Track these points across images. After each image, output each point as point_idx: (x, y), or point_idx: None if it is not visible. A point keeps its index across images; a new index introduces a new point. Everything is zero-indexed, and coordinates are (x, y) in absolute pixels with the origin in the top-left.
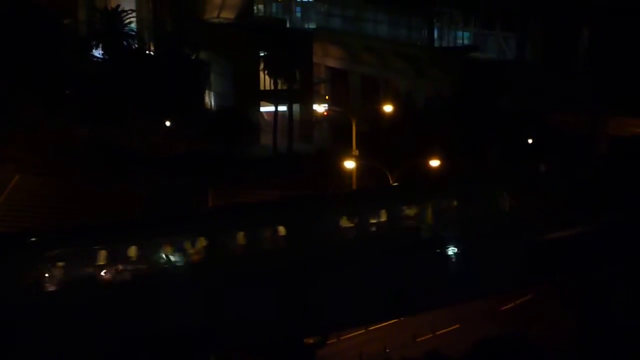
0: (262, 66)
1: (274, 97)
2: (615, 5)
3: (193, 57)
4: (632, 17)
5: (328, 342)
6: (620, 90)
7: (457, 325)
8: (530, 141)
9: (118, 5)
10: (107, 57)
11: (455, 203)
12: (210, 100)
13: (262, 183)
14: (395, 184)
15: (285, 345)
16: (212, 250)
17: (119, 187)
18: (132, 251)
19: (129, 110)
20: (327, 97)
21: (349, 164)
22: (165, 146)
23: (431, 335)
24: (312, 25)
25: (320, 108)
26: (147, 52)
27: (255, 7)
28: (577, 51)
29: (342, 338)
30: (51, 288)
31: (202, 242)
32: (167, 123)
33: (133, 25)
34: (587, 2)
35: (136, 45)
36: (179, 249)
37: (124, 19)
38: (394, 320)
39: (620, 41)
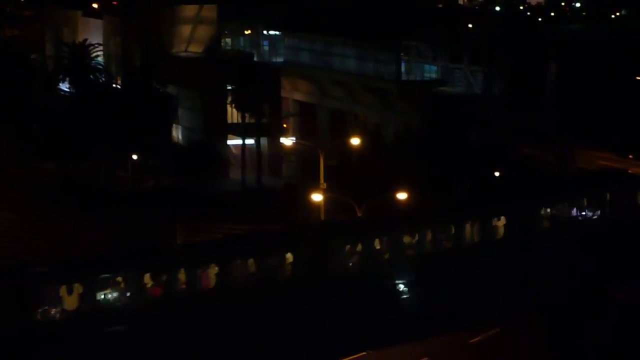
0: (229, 99)
1: (242, 131)
2: (580, 40)
3: (161, 91)
4: (597, 52)
5: None
6: (587, 124)
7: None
8: (497, 174)
9: (85, 39)
10: (74, 90)
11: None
12: (178, 134)
13: (231, 217)
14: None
15: None
16: None
17: (86, 222)
18: None
19: (97, 144)
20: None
21: (317, 197)
22: (133, 180)
23: None
24: (280, 59)
25: (288, 141)
26: (115, 85)
27: (223, 41)
28: (544, 85)
29: None
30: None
31: None
32: (135, 157)
33: (100, 59)
34: (553, 37)
35: (103, 79)
36: None
37: (92, 52)
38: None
39: (586, 75)
